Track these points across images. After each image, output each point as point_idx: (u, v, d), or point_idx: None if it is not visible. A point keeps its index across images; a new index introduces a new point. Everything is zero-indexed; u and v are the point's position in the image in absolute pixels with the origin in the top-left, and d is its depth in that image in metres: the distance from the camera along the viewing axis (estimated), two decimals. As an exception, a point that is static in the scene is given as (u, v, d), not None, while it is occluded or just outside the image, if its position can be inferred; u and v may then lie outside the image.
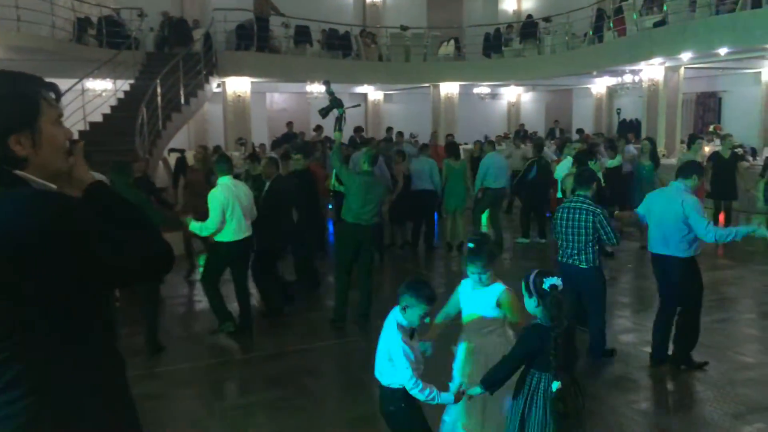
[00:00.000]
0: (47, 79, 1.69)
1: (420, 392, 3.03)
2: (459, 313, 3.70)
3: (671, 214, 5.01)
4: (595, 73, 16.93)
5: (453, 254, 9.86)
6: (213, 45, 15.16)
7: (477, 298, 3.56)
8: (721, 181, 10.24)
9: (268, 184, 6.94)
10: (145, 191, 7.05)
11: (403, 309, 3.07)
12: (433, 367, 3.44)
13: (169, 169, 12.71)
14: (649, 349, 5.42)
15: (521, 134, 17.46)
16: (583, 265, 5.23)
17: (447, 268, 9.37)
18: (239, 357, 5.87)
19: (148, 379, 5.16)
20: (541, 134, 20.53)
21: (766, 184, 9.49)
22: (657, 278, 5.35)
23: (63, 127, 1.70)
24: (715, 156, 10.46)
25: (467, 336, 3.64)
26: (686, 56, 13.34)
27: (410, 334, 3.12)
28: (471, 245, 3.55)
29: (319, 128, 14.79)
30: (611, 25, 15.30)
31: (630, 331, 6.24)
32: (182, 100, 13.07)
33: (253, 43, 15.96)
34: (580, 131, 17.63)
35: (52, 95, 1.67)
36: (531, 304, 3.12)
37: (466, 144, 16.27)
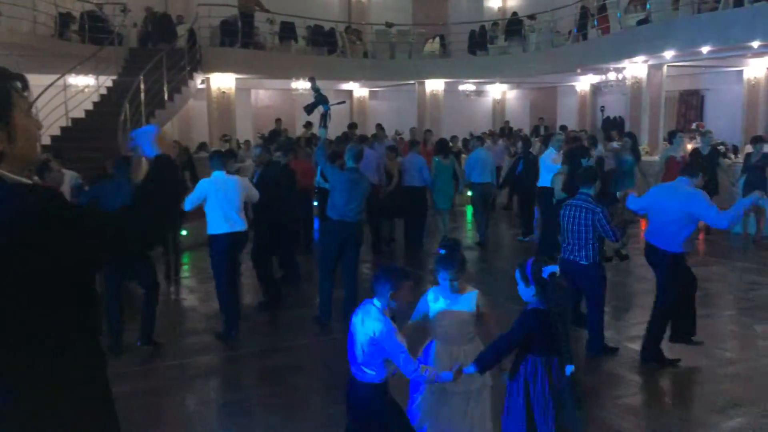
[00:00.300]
0: (28, 75, 1.68)
1: (421, 374, 3.01)
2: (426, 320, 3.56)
3: (674, 207, 5.08)
4: (579, 70, 16.99)
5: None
6: (197, 41, 15.01)
7: (454, 304, 3.45)
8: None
9: (258, 172, 6.85)
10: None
11: (394, 294, 3.02)
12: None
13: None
14: (632, 345, 5.46)
15: (506, 132, 17.47)
16: (584, 261, 5.31)
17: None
18: (225, 354, 5.83)
19: (135, 376, 5.12)
20: (526, 132, 20.58)
21: (746, 180, 9.71)
22: (653, 268, 5.42)
23: (33, 117, 1.69)
24: (695, 152, 10.57)
25: (446, 343, 3.48)
26: (669, 54, 13.47)
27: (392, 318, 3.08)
28: (443, 251, 3.44)
29: (309, 125, 14.70)
30: (595, 23, 15.41)
31: (612, 328, 6.27)
32: (166, 97, 12.93)
33: (238, 39, 15.84)
34: (563, 128, 17.69)
35: (19, 85, 1.65)
36: (528, 292, 3.13)
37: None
